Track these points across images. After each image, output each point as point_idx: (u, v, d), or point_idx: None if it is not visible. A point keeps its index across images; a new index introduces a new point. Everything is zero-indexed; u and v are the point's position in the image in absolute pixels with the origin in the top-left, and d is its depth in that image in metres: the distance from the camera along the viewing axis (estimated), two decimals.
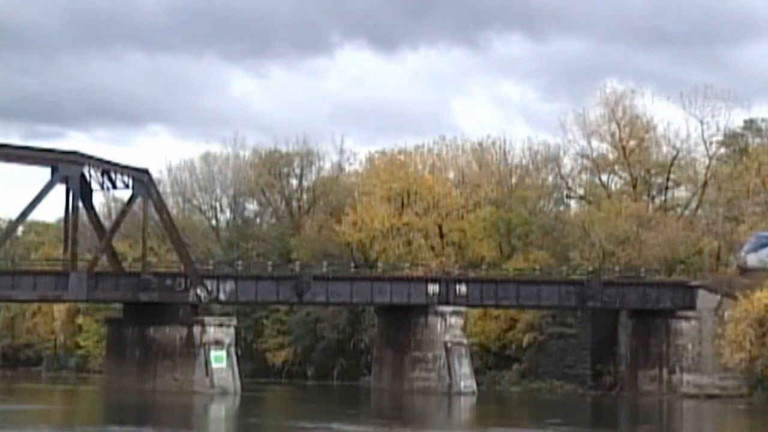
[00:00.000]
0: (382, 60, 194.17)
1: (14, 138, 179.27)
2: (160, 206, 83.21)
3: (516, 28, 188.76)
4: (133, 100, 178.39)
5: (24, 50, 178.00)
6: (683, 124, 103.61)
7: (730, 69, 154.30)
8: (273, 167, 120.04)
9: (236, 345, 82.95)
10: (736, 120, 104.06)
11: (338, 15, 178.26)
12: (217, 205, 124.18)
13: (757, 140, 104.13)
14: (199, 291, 79.91)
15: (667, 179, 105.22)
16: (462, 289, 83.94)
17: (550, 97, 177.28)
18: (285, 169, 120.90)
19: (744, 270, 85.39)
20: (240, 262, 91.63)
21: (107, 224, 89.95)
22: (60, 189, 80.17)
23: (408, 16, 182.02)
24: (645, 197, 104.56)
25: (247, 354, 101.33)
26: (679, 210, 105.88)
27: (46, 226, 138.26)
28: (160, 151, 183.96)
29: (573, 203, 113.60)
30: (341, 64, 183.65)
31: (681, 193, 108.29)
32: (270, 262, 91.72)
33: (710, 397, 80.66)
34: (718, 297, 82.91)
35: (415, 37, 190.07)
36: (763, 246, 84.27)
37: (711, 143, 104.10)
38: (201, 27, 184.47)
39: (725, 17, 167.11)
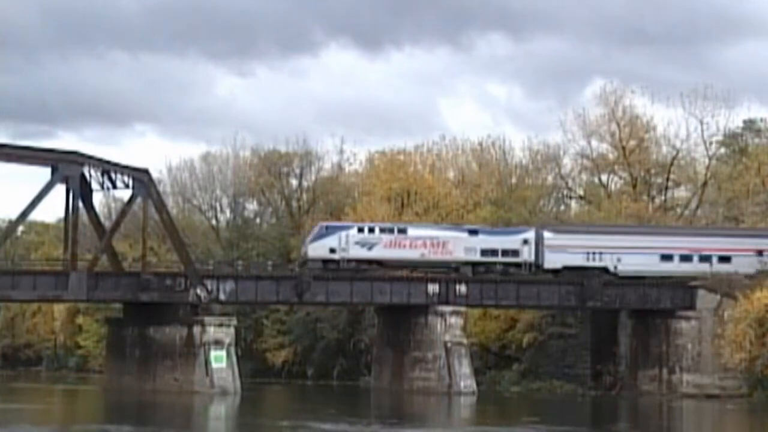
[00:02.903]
0: (367, 59, 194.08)
1: (2, 137, 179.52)
2: (160, 206, 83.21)
3: (497, 28, 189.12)
4: (119, 99, 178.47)
5: (7, 50, 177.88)
6: (683, 124, 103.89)
7: (712, 68, 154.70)
8: (273, 167, 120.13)
9: (236, 345, 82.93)
10: (735, 120, 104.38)
11: (322, 13, 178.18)
12: (217, 205, 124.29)
13: (757, 140, 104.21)
14: (199, 291, 79.91)
15: (667, 179, 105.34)
16: (462, 289, 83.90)
17: (537, 96, 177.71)
18: (285, 169, 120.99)
19: (305, 261, 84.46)
20: (240, 262, 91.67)
21: (107, 224, 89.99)
22: (60, 189, 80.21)
23: (390, 15, 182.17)
24: (645, 197, 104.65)
25: (247, 354, 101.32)
26: (679, 210, 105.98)
27: (46, 226, 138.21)
28: (148, 151, 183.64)
29: (573, 203, 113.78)
30: (326, 63, 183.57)
31: (681, 193, 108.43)
32: (270, 262, 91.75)
33: (710, 397, 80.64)
34: (718, 297, 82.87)
35: (399, 36, 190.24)
36: (322, 236, 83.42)
37: (711, 143, 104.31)
38: (183, 26, 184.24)
39: (705, 17, 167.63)
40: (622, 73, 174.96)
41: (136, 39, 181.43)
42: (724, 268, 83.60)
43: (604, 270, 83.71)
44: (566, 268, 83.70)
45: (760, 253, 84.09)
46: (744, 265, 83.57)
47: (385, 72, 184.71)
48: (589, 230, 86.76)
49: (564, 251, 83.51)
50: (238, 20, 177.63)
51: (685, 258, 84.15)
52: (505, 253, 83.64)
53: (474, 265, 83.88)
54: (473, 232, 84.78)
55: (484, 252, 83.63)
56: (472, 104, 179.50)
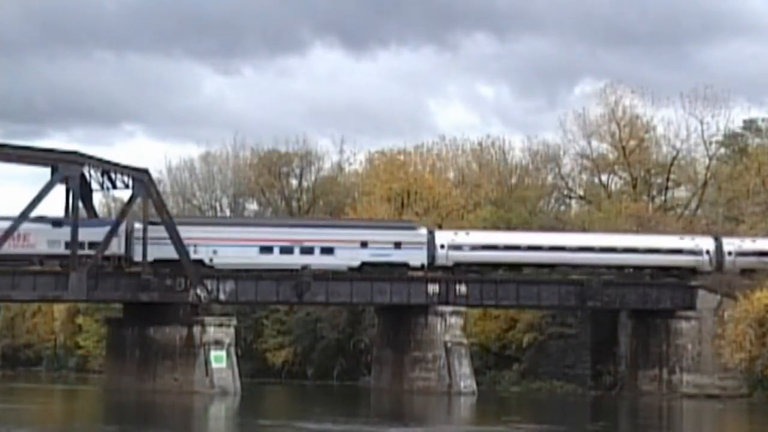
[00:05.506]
0: (353, 58, 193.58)
1: None
2: (160, 206, 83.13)
3: (482, 27, 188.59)
4: (107, 99, 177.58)
5: None
6: (683, 124, 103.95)
7: (698, 68, 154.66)
8: (273, 167, 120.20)
9: (236, 345, 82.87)
10: (736, 120, 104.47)
11: (307, 12, 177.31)
12: (217, 205, 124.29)
13: (757, 140, 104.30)
14: (199, 291, 79.88)
15: (667, 179, 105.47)
16: (462, 289, 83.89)
17: (525, 96, 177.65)
18: (285, 169, 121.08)
19: None
20: None
21: None
22: (60, 189, 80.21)
23: (376, 14, 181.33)
24: (645, 197, 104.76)
25: (247, 354, 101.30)
26: (679, 210, 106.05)
27: None
28: (139, 152, 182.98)
29: (573, 203, 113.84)
30: (312, 62, 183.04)
31: (681, 193, 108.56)
32: None
33: (710, 397, 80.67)
34: (718, 297, 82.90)
35: (385, 35, 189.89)
36: None
37: (711, 143, 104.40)
38: (168, 25, 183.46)
39: (690, 16, 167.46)
40: (609, 73, 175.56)
41: (121, 38, 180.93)
42: (327, 260, 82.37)
43: (200, 262, 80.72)
44: (158, 261, 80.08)
45: (364, 244, 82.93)
46: (348, 257, 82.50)
47: (372, 71, 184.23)
48: (183, 222, 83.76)
49: (157, 243, 79.80)
50: (224, 19, 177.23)
51: (286, 250, 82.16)
52: (92, 245, 79.20)
53: (59, 258, 79.19)
54: (57, 224, 79.84)
55: (68, 245, 78.66)
56: (460, 104, 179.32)
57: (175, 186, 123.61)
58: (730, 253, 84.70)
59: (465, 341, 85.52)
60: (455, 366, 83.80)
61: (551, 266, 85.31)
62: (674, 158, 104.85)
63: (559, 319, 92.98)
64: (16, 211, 78.29)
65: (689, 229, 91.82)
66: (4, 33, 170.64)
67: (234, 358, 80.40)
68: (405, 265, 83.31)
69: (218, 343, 79.52)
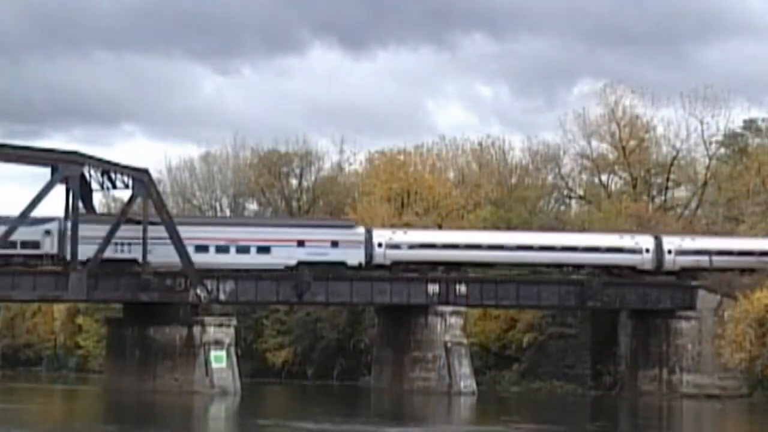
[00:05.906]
0: (352, 58, 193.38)
1: None
2: (160, 206, 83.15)
3: (480, 27, 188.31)
4: (106, 99, 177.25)
5: None
6: (683, 124, 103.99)
7: (695, 68, 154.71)
8: (273, 167, 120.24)
9: (236, 345, 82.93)
10: (736, 120, 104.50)
11: (306, 12, 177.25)
12: (217, 205, 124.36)
13: (757, 140, 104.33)
14: (199, 291, 79.91)
15: (667, 179, 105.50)
16: (462, 289, 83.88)
17: (524, 96, 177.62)
18: (285, 169, 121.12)
19: None
20: None
21: None
22: (60, 189, 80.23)
23: (374, 13, 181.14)
24: (645, 197, 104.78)
25: (247, 354, 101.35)
26: (679, 210, 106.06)
27: None
28: (138, 152, 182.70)
29: (573, 203, 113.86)
30: (311, 62, 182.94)
31: (681, 193, 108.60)
32: None
33: (710, 397, 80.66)
34: (718, 297, 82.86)
35: (383, 35, 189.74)
36: None
37: (711, 143, 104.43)
38: (166, 25, 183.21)
39: (687, 16, 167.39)
40: (608, 73, 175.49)
41: (120, 38, 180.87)
42: (263, 259, 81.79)
43: (134, 261, 80.00)
44: (91, 260, 78.99)
45: (301, 243, 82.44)
46: (284, 256, 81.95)
47: (371, 71, 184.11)
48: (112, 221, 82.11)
49: (91, 242, 78.52)
50: (223, 19, 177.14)
51: (222, 249, 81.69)
52: (24, 244, 78.48)
53: None
54: None
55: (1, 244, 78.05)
56: (459, 104, 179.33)
57: (175, 186, 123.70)
58: (669, 252, 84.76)
59: (465, 341, 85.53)
60: (455, 366, 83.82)
61: (489, 265, 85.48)
62: (674, 158, 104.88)
63: (559, 319, 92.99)
64: (16, 212, 78.36)
65: (689, 229, 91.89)
66: (3, 33, 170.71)
67: (234, 358, 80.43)
68: (342, 264, 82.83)
69: (218, 343, 79.56)
